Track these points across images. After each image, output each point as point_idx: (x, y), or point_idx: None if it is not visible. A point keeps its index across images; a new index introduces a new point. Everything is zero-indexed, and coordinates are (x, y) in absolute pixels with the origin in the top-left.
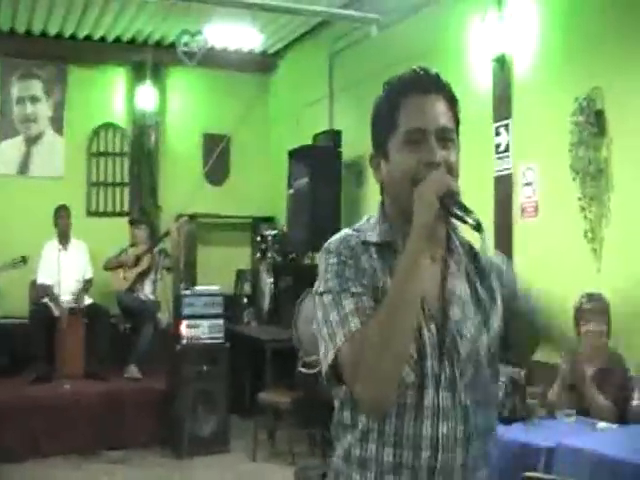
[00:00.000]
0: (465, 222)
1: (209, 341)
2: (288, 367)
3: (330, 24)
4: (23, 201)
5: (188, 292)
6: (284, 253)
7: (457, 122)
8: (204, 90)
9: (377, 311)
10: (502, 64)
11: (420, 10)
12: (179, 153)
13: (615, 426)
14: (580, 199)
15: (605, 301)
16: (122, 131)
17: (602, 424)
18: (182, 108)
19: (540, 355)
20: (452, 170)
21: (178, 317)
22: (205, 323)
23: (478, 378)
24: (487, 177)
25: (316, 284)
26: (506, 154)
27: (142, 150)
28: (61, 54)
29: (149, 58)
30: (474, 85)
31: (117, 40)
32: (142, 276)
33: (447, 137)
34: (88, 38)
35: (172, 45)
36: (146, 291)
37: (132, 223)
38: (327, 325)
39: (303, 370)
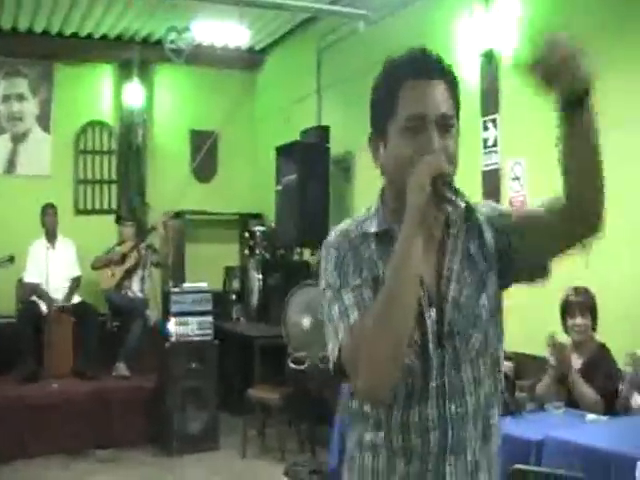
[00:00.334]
0: (456, 206)
1: (198, 338)
2: (277, 363)
3: (318, 20)
4: (10, 200)
5: (177, 289)
6: (273, 249)
7: (458, 106)
8: (191, 87)
9: (375, 299)
10: (490, 59)
11: (408, 6)
12: (167, 150)
13: (604, 418)
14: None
15: (591, 295)
16: (109, 129)
17: (591, 416)
18: (170, 105)
19: (528, 348)
20: (450, 157)
21: (166, 314)
22: (194, 320)
23: (487, 345)
24: (475, 172)
25: (320, 281)
26: (494, 149)
27: (130, 147)
28: (48, 52)
29: (136, 55)
30: (462, 79)
31: (104, 37)
32: (130, 273)
33: (447, 124)
34: (75, 35)
35: (159, 42)
36: (134, 288)
37: (119, 221)
38: (331, 321)
39: (292, 366)
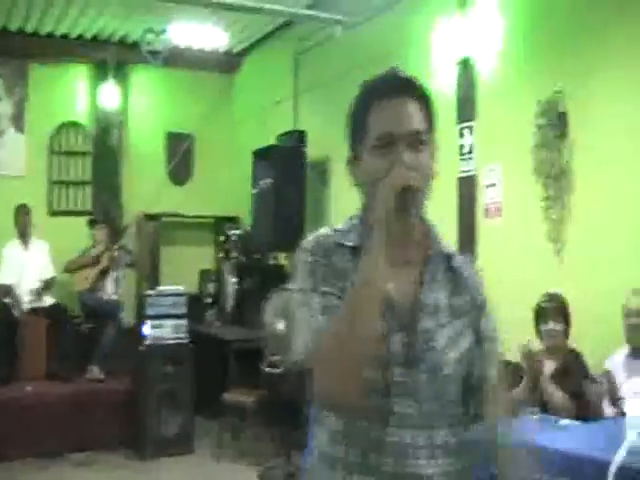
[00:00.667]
0: (416, 217)
1: (173, 341)
2: (252, 367)
3: (295, 24)
4: None
5: (152, 292)
6: (248, 253)
7: (432, 121)
8: (168, 89)
9: (339, 310)
10: (466, 66)
11: (385, 12)
12: (142, 152)
13: (577, 423)
14: (543, 200)
15: (564, 301)
16: (85, 130)
17: (564, 421)
18: (146, 107)
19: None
20: (423, 172)
21: (141, 317)
22: (169, 323)
23: (444, 392)
24: (451, 178)
25: (291, 282)
26: (470, 155)
27: (105, 149)
28: (22, 51)
29: (112, 56)
30: (438, 87)
31: (80, 37)
32: (103, 275)
33: (419, 139)
34: (50, 35)
35: (136, 43)
36: (108, 290)
37: (91, 224)
38: (296, 323)
39: (268, 369)
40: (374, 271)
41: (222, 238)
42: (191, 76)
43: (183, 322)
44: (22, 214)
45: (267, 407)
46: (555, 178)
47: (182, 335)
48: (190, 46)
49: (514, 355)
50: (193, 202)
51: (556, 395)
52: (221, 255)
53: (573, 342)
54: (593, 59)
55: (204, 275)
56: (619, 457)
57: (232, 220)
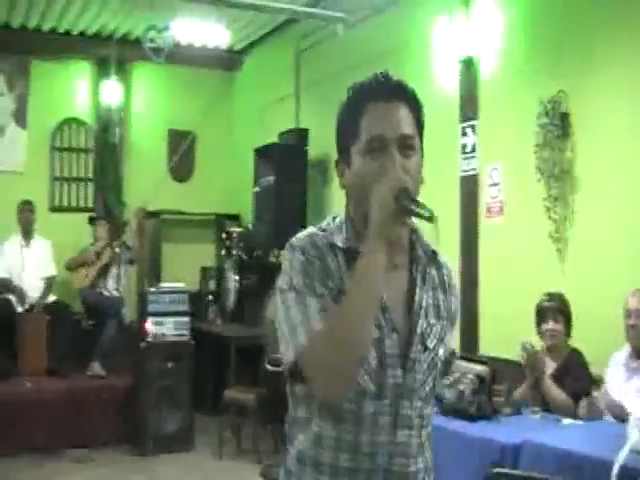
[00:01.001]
0: (419, 216)
1: (174, 338)
2: (252, 364)
3: (296, 22)
4: None
5: (153, 289)
6: (249, 251)
7: (421, 127)
8: (169, 86)
9: (336, 310)
10: (468, 65)
11: (387, 10)
12: (144, 149)
13: (579, 422)
14: (545, 199)
15: (565, 301)
16: (86, 126)
17: (566, 420)
18: (147, 104)
19: (505, 353)
20: (412, 176)
21: (143, 314)
22: (170, 320)
23: (432, 391)
24: (453, 177)
25: (279, 280)
26: (472, 154)
27: (106, 146)
28: (24, 47)
29: (114, 53)
30: (441, 86)
31: (82, 34)
32: (104, 271)
33: (408, 144)
34: (52, 31)
35: (137, 40)
36: (109, 287)
37: (92, 221)
38: (289, 322)
39: (269, 367)
40: (374, 274)
41: (223, 235)
42: (193, 73)
43: (184, 319)
44: (24, 210)
45: (268, 404)
46: (557, 177)
47: (183, 332)
48: (192, 43)
49: (516, 354)
50: (194, 199)
51: (557, 394)
52: (222, 252)
53: (575, 342)
54: (596, 59)
55: (205, 272)
56: (622, 457)
57: (233, 217)
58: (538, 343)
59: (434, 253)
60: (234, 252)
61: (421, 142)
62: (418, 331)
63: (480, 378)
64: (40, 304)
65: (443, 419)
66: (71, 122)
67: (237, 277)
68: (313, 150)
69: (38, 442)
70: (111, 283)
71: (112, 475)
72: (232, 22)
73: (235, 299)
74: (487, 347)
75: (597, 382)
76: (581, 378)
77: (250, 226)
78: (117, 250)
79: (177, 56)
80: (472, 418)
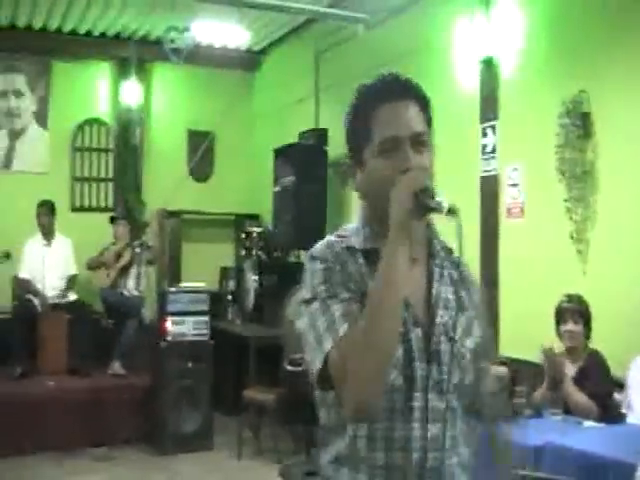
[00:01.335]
0: (440, 211)
1: (194, 338)
2: (272, 364)
3: (316, 22)
4: (6, 196)
5: (173, 289)
6: (269, 251)
7: (430, 123)
8: (189, 87)
9: (362, 314)
10: (489, 65)
11: (407, 10)
12: (164, 149)
13: (601, 425)
14: (566, 201)
15: (584, 302)
16: (106, 127)
17: (588, 423)
18: (167, 104)
19: (525, 354)
20: (427, 173)
21: (163, 314)
22: (190, 320)
23: (464, 382)
24: (473, 178)
25: (302, 292)
26: (492, 155)
27: (126, 146)
28: (46, 48)
29: (134, 54)
30: (461, 86)
31: (102, 35)
32: (124, 271)
33: (420, 141)
34: (73, 33)
35: (157, 41)
36: (129, 286)
37: (112, 221)
38: (315, 331)
39: (289, 368)
40: (396, 273)
41: (243, 235)
42: (212, 74)
43: (204, 319)
44: (41, 213)
45: (287, 405)
46: (578, 178)
47: (203, 332)
48: (212, 44)
49: (536, 355)
50: (214, 199)
51: (579, 398)
52: (242, 253)
53: (596, 344)
54: (617, 58)
55: (225, 272)
56: None
57: (253, 218)
58: (557, 345)
59: (449, 250)
60: (253, 252)
61: (432, 138)
62: (437, 321)
63: (500, 379)
64: (62, 303)
65: None
66: (92, 122)
67: (256, 277)
68: (332, 150)
69: (58, 440)
70: (131, 283)
71: (132, 474)
72: (252, 23)
73: (254, 299)
74: (507, 348)
75: (619, 385)
76: (602, 380)
77: (269, 226)
78: (137, 250)
79: (197, 57)
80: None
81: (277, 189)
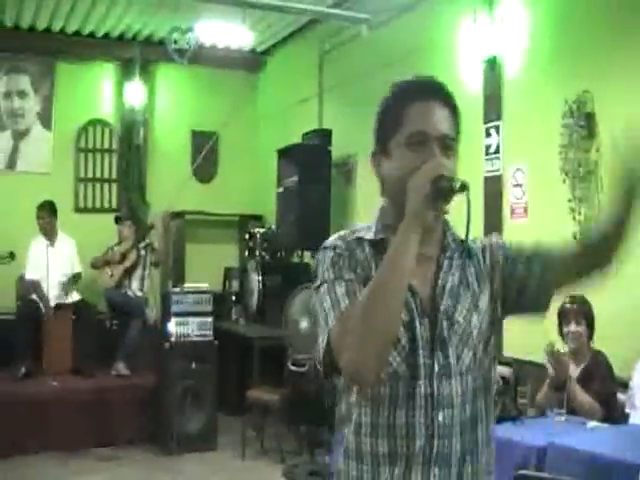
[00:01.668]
0: (454, 192)
1: (198, 339)
2: (276, 365)
3: (320, 23)
4: (10, 196)
5: (177, 289)
6: (273, 251)
7: (458, 132)
8: (193, 87)
9: (363, 291)
10: (493, 65)
11: (410, 10)
12: (167, 150)
13: (605, 425)
14: (570, 201)
15: (587, 303)
16: (110, 127)
17: (592, 423)
18: (171, 105)
19: (529, 355)
20: (446, 167)
21: (166, 314)
22: (194, 321)
23: (476, 363)
24: (477, 178)
25: (314, 282)
26: (496, 155)
27: (130, 146)
28: (50, 49)
29: (138, 54)
30: (464, 86)
31: (106, 36)
32: (129, 272)
33: (447, 145)
34: (77, 33)
35: (161, 42)
36: (134, 287)
37: (117, 221)
38: (322, 313)
39: (293, 368)
40: (404, 256)
41: (247, 236)
42: (216, 74)
43: (208, 319)
44: (40, 216)
45: (291, 405)
46: (582, 178)
47: (207, 332)
48: (215, 44)
49: (539, 356)
50: (218, 200)
51: (583, 398)
52: (246, 253)
53: (600, 346)
54: (621, 58)
55: (228, 273)
56: None
57: (256, 218)
58: (561, 346)
59: (462, 242)
60: (257, 253)
61: (458, 147)
62: (442, 309)
63: (504, 379)
64: (67, 303)
65: None
66: (95, 123)
67: (260, 278)
68: (336, 151)
69: (62, 440)
70: (135, 284)
71: (136, 474)
72: (256, 23)
73: (258, 300)
74: (511, 349)
75: (622, 385)
76: (606, 381)
77: (273, 227)
78: (143, 252)
79: (201, 57)
80: (497, 420)
81: (281, 190)
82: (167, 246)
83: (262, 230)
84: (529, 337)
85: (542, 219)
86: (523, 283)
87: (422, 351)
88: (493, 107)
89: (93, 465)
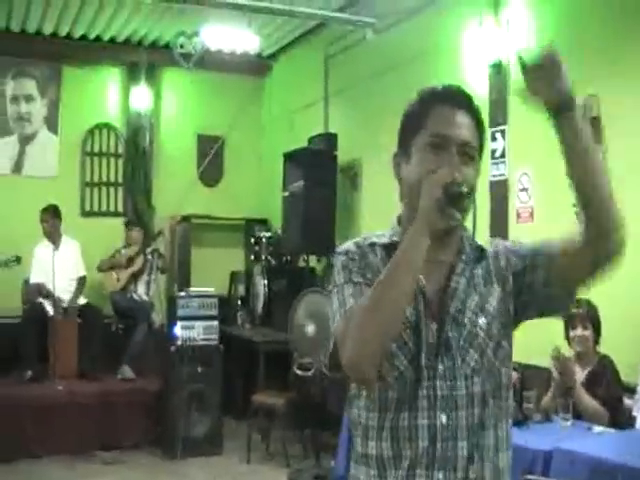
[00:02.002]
0: (465, 197)
1: (203, 343)
2: (281, 369)
3: (326, 27)
4: (17, 200)
5: (183, 294)
6: (278, 255)
7: (482, 144)
8: (199, 91)
9: (375, 284)
10: (498, 69)
11: (416, 14)
12: (173, 154)
13: (611, 430)
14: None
15: (593, 307)
16: (116, 131)
17: (598, 428)
18: (176, 109)
19: (534, 359)
20: (467, 181)
21: (172, 318)
22: (200, 325)
23: (484, 365)
24: (483, 182)
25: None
26: (502, 159)
27: (136, 151)
28: (56, 53)
29: (144, 59)
30: (470, 90)
31: (112, 40)
32: (135, 277)
33: (469, 153)
34: (83, 38)
35: (167, 46)
36: (140, 291)
37: (127, 225)
38: (332, 314)
39: (298, 372)
40: (412, 254)
41: (252, 240)
42: (222, 79)
43: (213, 323)
44: (43, 219)
45: (296, 409)
46: None
47: (213, 336)
48: (221, 49)
49: (545, 360)
50: (223, 204)
51: (589, 403)
52: (251, 257)
53: (607, 349)
54: (626, 62)
55: (234, 277)
56: None
57: (262, 222)
58: (567, 350)
59: (480, 248)
60: (263, 257)
61: (480, 157)
62: (451, 311)
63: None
64: (73, 307)
65: None
66: (102, 127)
67: (266, 282)
68: (342, 155)
69: (68, 444)
70: (141, 288)
71: (142, 477)
72: (261, 28)
73: (264, 304)
74: (516, 353)
75: (629, 390)
76: (612, 385)
77: (279, 231)
78: (149, 257)
79: (206, 62)
80: None
81: (286, 194)
82: (173, 250)
83: (268, 234)
84: (535, 341)
85: (548, 223)
86: (544, 281)
87: (426, 352)
88: (499, 111)
89: (98, 469)
